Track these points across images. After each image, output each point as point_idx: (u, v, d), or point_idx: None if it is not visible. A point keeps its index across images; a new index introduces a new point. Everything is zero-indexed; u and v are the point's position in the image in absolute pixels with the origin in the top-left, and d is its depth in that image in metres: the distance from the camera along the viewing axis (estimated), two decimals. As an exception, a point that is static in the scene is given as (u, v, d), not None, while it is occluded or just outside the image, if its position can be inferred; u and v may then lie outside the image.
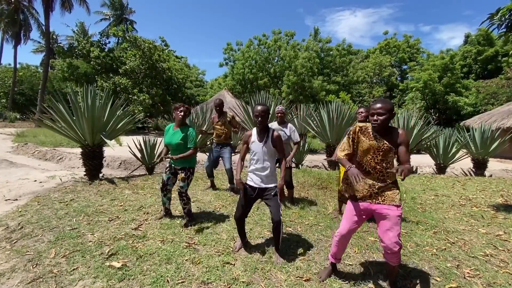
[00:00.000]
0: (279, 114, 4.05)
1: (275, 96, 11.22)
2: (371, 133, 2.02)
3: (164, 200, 3.34)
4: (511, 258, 2.73)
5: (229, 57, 29.82)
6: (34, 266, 2.30)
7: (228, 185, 4.83)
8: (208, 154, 4.79)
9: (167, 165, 3.29)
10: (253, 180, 2.53)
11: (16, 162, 7.67)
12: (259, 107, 2.44)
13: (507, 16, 3.85)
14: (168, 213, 3.44)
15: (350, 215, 2.13)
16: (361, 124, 2.09)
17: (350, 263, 2.53)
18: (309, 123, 8.46)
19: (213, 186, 4.89)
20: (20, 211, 3.51)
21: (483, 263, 2.62)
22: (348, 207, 2.17)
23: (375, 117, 1.94)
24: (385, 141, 1.96)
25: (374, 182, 2.02)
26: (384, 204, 1.99)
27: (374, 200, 2.03)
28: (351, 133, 2.10)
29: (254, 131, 2.58)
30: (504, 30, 3.99)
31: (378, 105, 1.93)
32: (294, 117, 10.22)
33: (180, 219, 3.36)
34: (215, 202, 4.15)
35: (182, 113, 3.16)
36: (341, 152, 2.15)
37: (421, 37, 39.69)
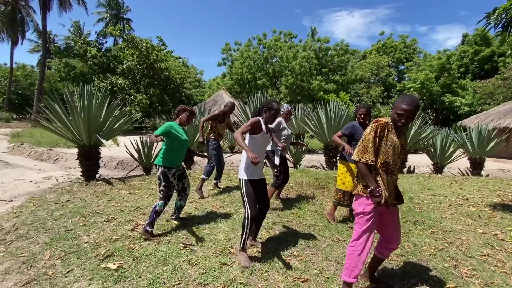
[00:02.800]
0: (289, 115, 4.17)
1: (273, 97, 11.20)
2: (397, 130, 1.89)
3: (178, 203, 3.26)
4: (508, 257, 2.73)
5: (227, 57, 29.76)
6: (28, 268, 2.27)
7: (219, 182, 4.93)
8: (213, 154, 4.61)
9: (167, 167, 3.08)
10: (257, 173, 2.53)
11: (11, 162, 7.61)
12: (276, 105, 2.60)
13: (503, 16, 3.85)
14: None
15: (375, 221, 1.90)
16: (385, 120, 1.87)
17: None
18: (307, 123, 8.46)
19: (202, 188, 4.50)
20: (15, 212, 3.47)
21: (481, 263, 2.62)
22: (372, 213, 1.88)
23: (404, 120, 1.80)
24: (403, 138, 1.93)
25: (394, 183, 1.96)
26: (395, 206, 1.99)
27: (392, 203, 1.95)
28: (379, 130, 1.82)
29: (262, 122, 2.56)
30: (501, 29, 3.99)
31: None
32: (292, 117, 10.22)
33: (177, 220, 3.33)
34: (213, 202, 4.13)
35: (192, 117, 3.21)
36: (362, 155, 1.84)
37: (417, 38, 39.74)
